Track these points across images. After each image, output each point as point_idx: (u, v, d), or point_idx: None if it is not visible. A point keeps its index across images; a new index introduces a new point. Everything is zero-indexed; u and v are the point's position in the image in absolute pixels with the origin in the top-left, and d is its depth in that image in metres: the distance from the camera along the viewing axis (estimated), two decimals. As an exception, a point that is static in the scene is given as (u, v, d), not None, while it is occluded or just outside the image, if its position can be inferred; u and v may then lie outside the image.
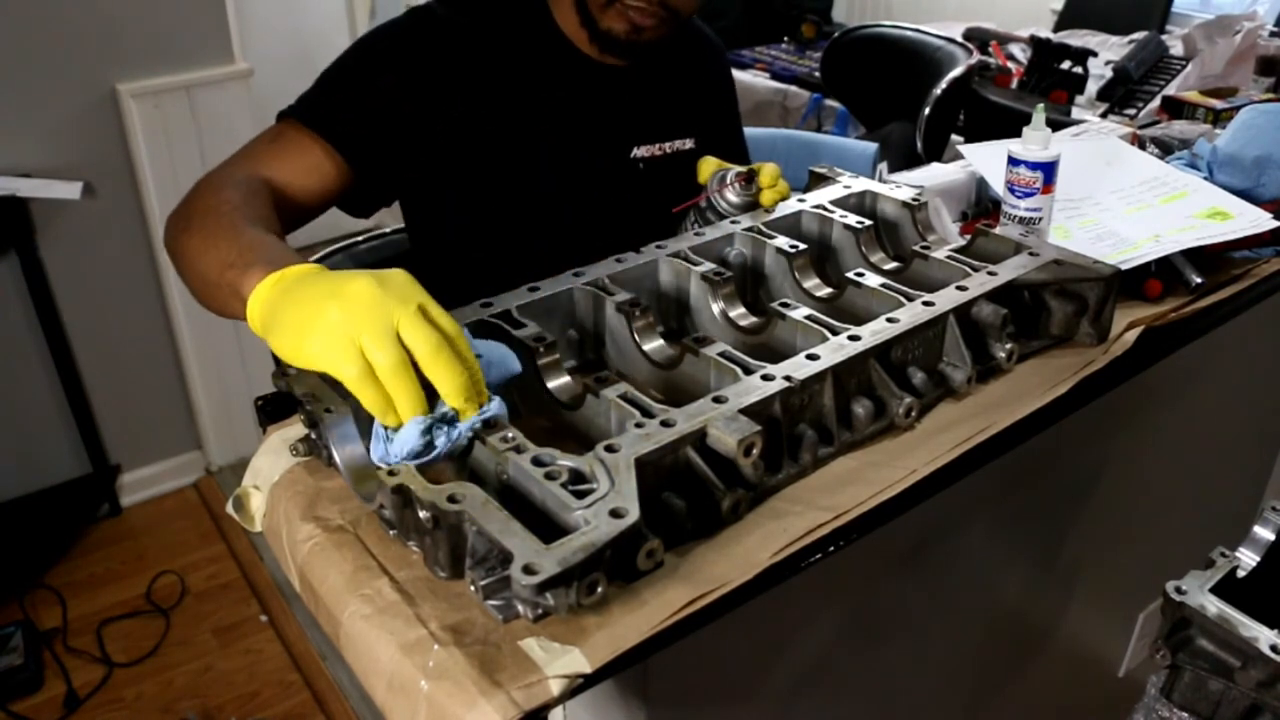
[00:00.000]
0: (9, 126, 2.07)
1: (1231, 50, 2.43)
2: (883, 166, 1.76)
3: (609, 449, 0.67)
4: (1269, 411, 1.56)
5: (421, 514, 0.65)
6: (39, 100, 2.09)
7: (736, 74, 3.74)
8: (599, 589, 0.61)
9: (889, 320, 0.84)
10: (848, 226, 1.02)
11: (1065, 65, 2.69)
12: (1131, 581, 1.39)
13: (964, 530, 1.02)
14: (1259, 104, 1.34)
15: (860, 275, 0.92)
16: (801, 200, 1.08)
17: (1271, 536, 0.78)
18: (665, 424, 0.70)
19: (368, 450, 0.71)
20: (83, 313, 2.28)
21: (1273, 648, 0.67)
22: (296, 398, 0.77)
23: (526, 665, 0.60)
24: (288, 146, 1.08)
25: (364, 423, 0.73)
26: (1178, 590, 0.72)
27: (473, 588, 0.63)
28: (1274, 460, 1.64)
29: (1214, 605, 0.70)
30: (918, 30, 2.79)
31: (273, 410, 0.86)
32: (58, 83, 2.10)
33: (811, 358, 0.78)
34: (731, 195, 1.06)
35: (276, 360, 0.74)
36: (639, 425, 0.69)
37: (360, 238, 1.45)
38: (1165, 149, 1.36)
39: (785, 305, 0.87)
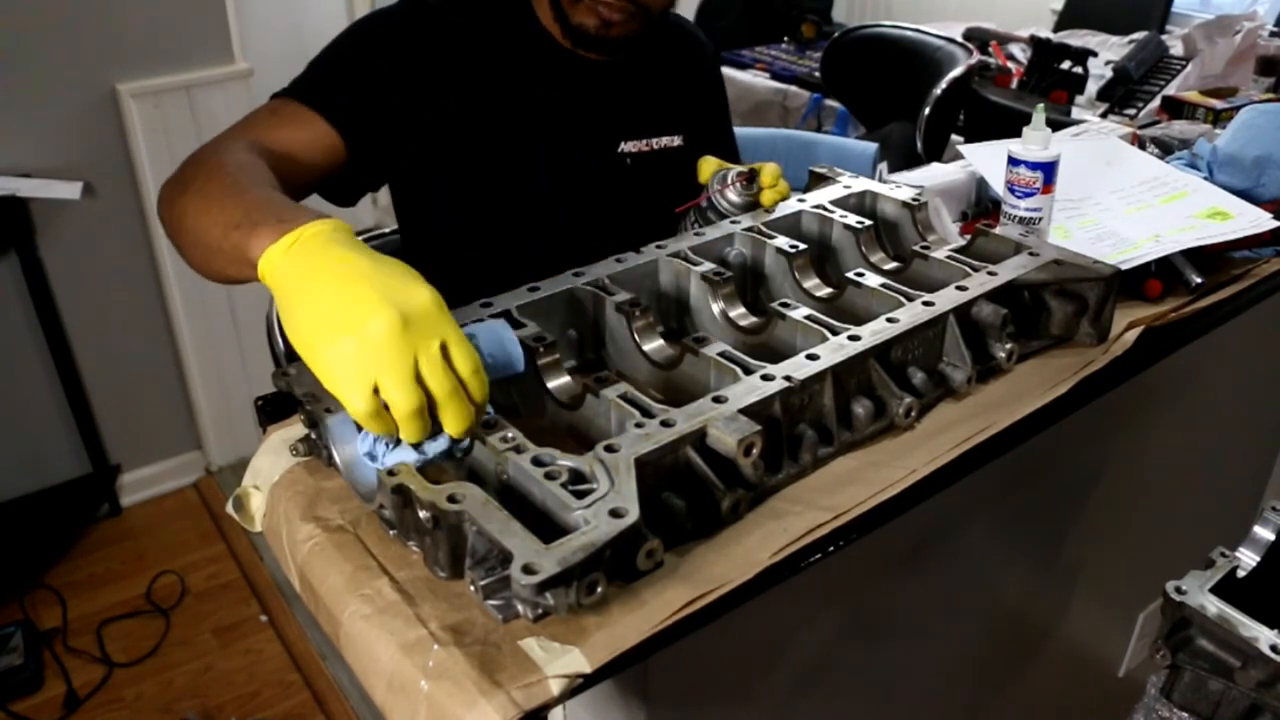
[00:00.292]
0: (9, 126, 2.07)
1: (1231, 50, 2.43)
2: (883, 166, 1.75)
3: (609, 449, 0.67)
4: (1269, 412, 1.56)
5: (421, 514, 0.65)
6: (39, 100, 2.09)
7: (737, 74, 3.69)
8: (599, 589, 0.61)
9: (889, 320, 0.84)
10: (848, 226, 1.02)
11: (1065, 65, 2.69)
12: (1131, 581, 1.39)
13: (964, 530, 1.02)
14: (1259, 104, 1.34)
15: (860, 275, 0.92)
16: (801, 200, 1.08)
17: (1271, 536, 0.78)
18: (665, 424, 0.70)
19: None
20: (83, 313, 2.28)
21: (1273, 648, 0.67)
22: (296, 398, 0.77)
23: (526, 665, 0.60)
24: (287, 119, 1.06)
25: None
26: (1178, 590, 0.72)
27: (473, 588, 0.63)
28: (1274, 460, 1.64)
29: (1214, 605, 0.70)
30: (918, 30, 2.79)
31: (273, 410, 0.86)
32: (58, 83, 2.10)
33: (811, 358, 0.78)
34: (733, 195, 1.06)
35: (276, 360, 0.74)
36: (639, 425, 0.70)
37: (359, 238, 1.44)
38: (1165, 149, 1.36)
39: (785, 305, 0.87)
